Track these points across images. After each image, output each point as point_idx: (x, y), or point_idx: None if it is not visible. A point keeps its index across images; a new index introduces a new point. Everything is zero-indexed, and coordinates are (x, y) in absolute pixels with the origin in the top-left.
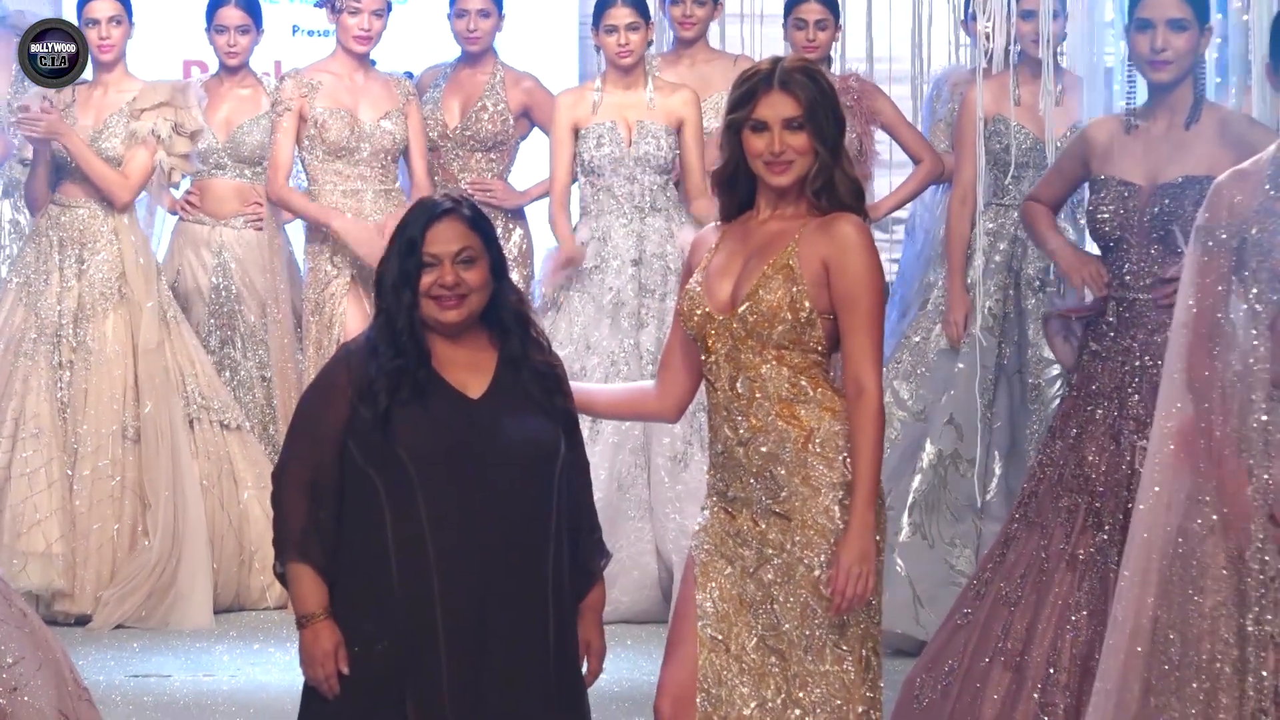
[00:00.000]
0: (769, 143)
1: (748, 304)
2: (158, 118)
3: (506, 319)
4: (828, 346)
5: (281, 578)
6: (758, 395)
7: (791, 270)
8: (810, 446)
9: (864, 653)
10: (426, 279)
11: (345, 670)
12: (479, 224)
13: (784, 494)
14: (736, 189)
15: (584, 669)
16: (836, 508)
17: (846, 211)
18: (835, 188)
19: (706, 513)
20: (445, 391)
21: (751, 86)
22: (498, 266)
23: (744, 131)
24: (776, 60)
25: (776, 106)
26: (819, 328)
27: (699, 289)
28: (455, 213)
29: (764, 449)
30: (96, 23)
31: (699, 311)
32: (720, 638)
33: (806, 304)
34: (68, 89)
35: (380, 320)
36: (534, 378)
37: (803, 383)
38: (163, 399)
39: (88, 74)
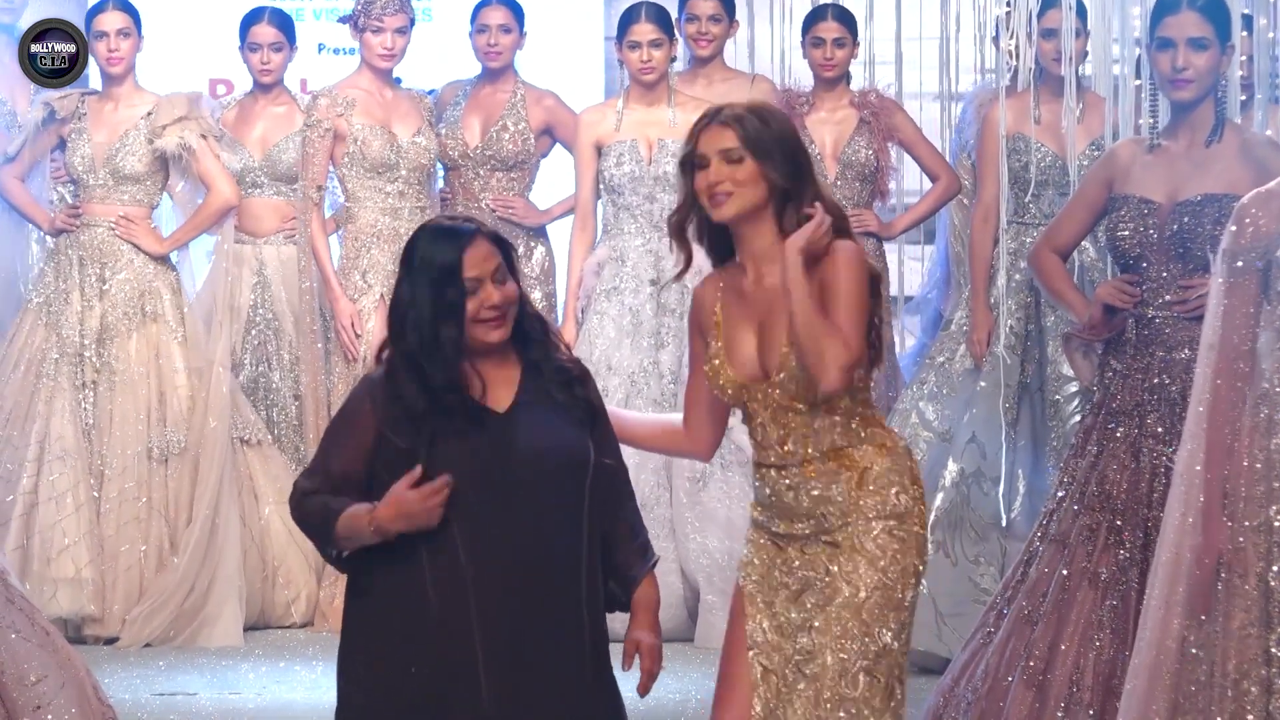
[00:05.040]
0: (707, 175)
1: (783, 373)
2: (183, 131)
3: (529, 323)
4: (866, 376)
5: (341, 558)
6: (810, 450)
7: None
8: (864, 485)
9: (891, 681)
10: (471, 304)
11: (449, 481)
12: (498, 239)
13: (835, 528)
14: (706, 234)
15: (624, 669)
16: (885, 536)
17: (838, 240)
18: (804, 221)
19: (750, 545)
20: (473, 410)
21: (695, 125)
22: (515, 275)
23: (695, 172)
24: (725, 104)
25: (715, 140)
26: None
27: (723, 364)
28: (480, 233)
29: (815, 492)
30: (105, 35)
31: (730, 385)
32: (770, 666)
33: None
34: (75, 101)
35: (403, 356)
36: (554, 374)
37: (854, 426)
38: (223, 417)
39: (96, 84)
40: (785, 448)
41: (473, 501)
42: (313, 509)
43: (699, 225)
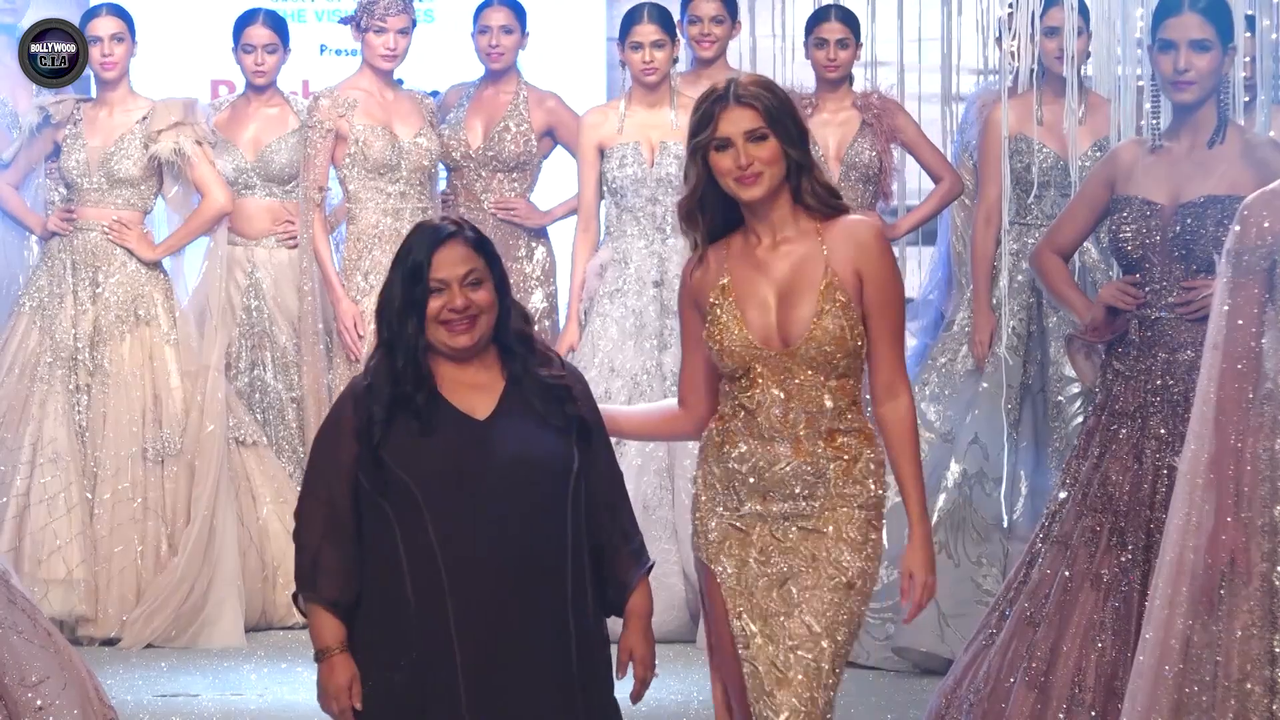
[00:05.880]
0: (735, 157)
1: (810, 339)
2: (178, 136)
3: (510, 337)
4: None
5: (303, 611)
6: (808, 428)
7: (838, 294)
8: (850, 473)
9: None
10: (434, 304)
11: (359, 706)
12: (482, 245)
13: (818, 515)
14: (705, 216)
15: (618, 677)
16: (865, 524)
17: (841, 214)
18: (817, 191)
19: (712, 534)
20: (450, 415)
21: (709, 108)
22: (501, 285)
23: (710, 153)
24: (731, 80)
25: (737, 121)
26: (864, 346)
27: (736, 324)
28: (459, 235)
29: (808, 477)
30: (99, 40)
31: (739, 347)
32: (756, 662)
33: (860, 326)
34: (70, 106)
35: (381, 352)
36: (540, 391)
37: (851, 412)
38: (220, 420)
39: (90, 90)
40: (786, 418)
41: (448, 508)
42: (304, 561)
43: (703, 205)
